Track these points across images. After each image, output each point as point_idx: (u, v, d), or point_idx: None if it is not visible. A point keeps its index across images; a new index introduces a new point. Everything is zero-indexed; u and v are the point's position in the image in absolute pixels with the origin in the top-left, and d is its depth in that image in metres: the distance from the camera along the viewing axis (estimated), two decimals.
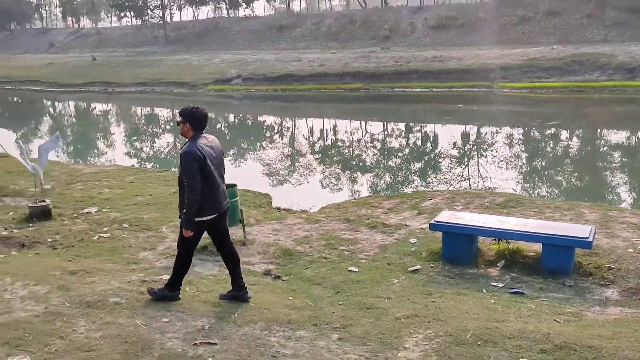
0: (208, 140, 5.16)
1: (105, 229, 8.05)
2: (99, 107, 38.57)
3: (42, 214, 8.36)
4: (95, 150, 23.07)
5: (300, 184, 15.31)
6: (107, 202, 9.31)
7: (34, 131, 27.71)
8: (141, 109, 37.03)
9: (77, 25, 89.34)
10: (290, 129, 27.57)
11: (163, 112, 34.87)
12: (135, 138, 26.34)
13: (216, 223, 5.26)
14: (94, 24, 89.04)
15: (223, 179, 5.29)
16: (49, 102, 41.00)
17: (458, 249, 6.52)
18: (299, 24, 56.68)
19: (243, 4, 70.83)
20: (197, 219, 5.05)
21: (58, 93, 43.35)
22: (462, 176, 15.10)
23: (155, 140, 25.93)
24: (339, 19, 55.80)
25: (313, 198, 11.29)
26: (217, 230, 5.37)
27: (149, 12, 66.61)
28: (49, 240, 7.61)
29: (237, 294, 5.43)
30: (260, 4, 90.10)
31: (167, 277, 5.97)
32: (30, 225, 8.17)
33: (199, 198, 4.94)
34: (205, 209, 5.06)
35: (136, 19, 72.62)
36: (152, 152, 22.76)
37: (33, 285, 5.73)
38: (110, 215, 8.61)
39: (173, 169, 14.24)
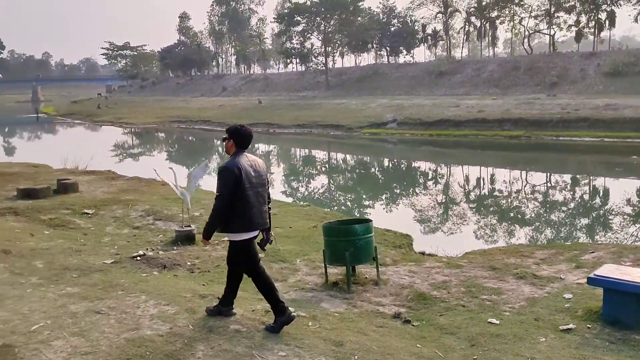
0: (249, 160, 5.17)
1: None
2: (260, 146, 40.72)
3: (186, 239, 8.65)
4: None
5: (445, 229, 14.59)
6: None
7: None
8: (298, 150, 38.38)
9: (248, 72, 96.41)
10: (444, 174, 26.77)
11: (319, 154, 35.83)
12: (285, 174, 27.25)
13: (251, 244, 5.25)
14: (262, 70, 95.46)
15: (264, 199, 5.26)
16: (217, 142, 44.11)
17: (623, 309, 5.53)
18: (459, 70, 55.95)
19: (404, 50, 71.85)
20: (242, 239, 5.12)
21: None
22: (634, 235, 13.35)
23: (304, 177, 26.55)
24: (502, 65, 54.23)
25: (457, 244, 10.59)
26: (249, 251, 5.28)
27: (313, 59, 69.89)
28: (188, 263, 7.80)
29: (282, 319, 5.19)
30: (420, 50, 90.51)
31: (291, 309, 5.76)
32: (175, 248, 8.47)
33: (224, 209, 4.98)
34: (240, 226, 5.07)
35: (300, 66, 76.60)
36: (299, 188, 23.26)
37: (164, 305, 5.80)
38: None
39: (316, 206, 14.30)
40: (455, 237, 13.25)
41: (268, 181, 5.45)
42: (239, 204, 5.02)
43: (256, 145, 41.15)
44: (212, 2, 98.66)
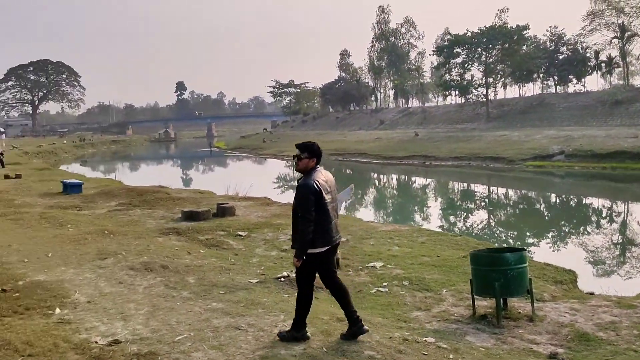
0: (323, 175, 5.33)
1: (385, 284, 7.83)
2: (416, 178, 40.26)
3: None
4: (398, 211, 23.88)
5: (617, 268, 13.06)
6: (393, 259, 9.15)
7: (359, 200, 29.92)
8: (455, 183, 37.27)
9: (406, 105, 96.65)
10: (620, 211, 24.22)
11: (477, 187, 34.48)
12: (441, 206, 26.47)
13: (328, 257, 5.33)
14: (420, 103, 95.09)
15: (337, 212, 5.39)
16: (374, 174, 44.42)
17: None
18: (638, 99, 51.03)
19: (573, 79, 67.33)
20: (311, 252, 5.15)
21: (381, 165, 46.82)
22: None
23: (459, 210, 25.54)
24: None
25: (631, 284, 9.36)
26: (331, 263, 5.44)
27: (473, 90, 68.10)
28: None
29: (354, 328, 5.26)
30: (592, 79, 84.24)
31: (432, 339, 5.38)
32: None
33: (311, 229, 5.06)
34: (318, 241, 5.15)
35: (460, 98, 75.11)
36: (453, 220, 22.41)
37: None
38: (393, 272, 8.39)
39: (466, 235, 13.60)
40: (629, 277, 11.80)
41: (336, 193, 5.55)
42: (319, 220, 5.13)
43: (412, 178, 40.80)
44: (372, 38, 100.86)
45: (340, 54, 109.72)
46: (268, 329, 5.70)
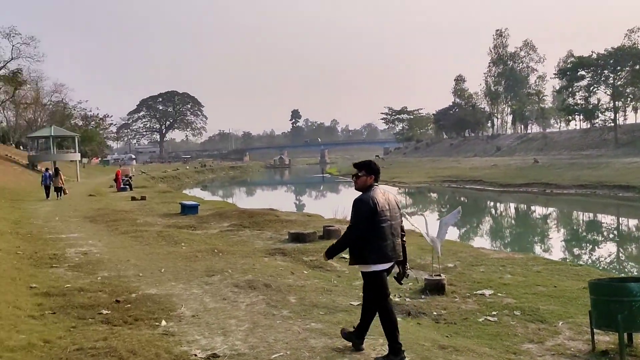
0: (382, 193, 5.29)
1: (494, 312, 7.33)
2: (534, 207, 38.22)
3: (435, 288, 8.22)
4: (513, 239, 22.64)
5: None
6: (505, 287, 8.58)
7: (475, 229, 28.90)
8: (580, 213, 34.91)
9: (525, 131, 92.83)
10: None
11: (605, 218, 32.02)
12: (562, 236, 24.81)
13: (383, 275, 5.29)
14: (541, 129, 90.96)
15: (397, 232, 5.29)
16: (489, 202, 42.75)
17: None
18: None
19: None
20: (373, 270, 5.21)
21: (497, 193, 45.00)
22: None
23: (580, 239, 23.75)
24: None
25: None
26: (381, 280, 5.31)
27: (599, 115, 64.11)
28: (434, 313, 7.35)
29: (394, 357, 5.13)
30: None
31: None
32: (423, 297, 8.11)
33: (353, 239, 5.18)
34: (371, 258, 5.15)
35: (584, 123, 70.98)
36: (574, 250, 20.85)
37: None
38: (504, 301, 7.85)
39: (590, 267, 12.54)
40: None
41: (401, 214, 5.48)
42: (373, 236, 5.11)
43: (531, 206, 38.78)
44: (489, 63, 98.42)
45: (454, 80, 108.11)
46: (366, 352, 5.49)
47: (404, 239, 5.46)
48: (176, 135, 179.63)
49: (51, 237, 13.87)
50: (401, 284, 5.77)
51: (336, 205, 20.32)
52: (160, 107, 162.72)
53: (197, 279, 8.95)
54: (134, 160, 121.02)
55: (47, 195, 28.93)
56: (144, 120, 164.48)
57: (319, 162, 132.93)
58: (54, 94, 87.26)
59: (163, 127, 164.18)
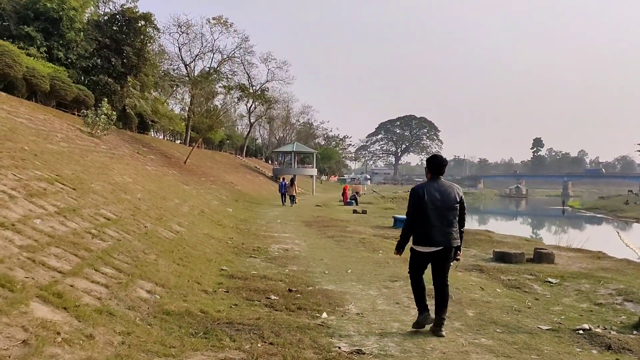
0: (439, 185, 5.83)
1: None
2: None
3: None
4: None
5: None
6: None
7: None
8: None
9: None
10: None
11: None
12: None
13: (437, 259, 5.87)
14: None
15: (448, 221, 5.76)
16: None
17: None
18: None
19: None
20: (416, 250, 5.91)
21: None
22: None
23: None
24: None
25: None
26: (436, 266, 5.95)
27: None
28: None
29: (435, 328, 5.78)
30: None
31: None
32: (635, 333, 6.67)
33: (408, 228, 5.92)
34: (417, 240, 5.81)
35: None
36: None
37: None
38: None
39: None
40: None
41: (463, 207, 5.96)
42: (420, 221, 5.76)
43: None
44: None
45: None
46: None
47: (462, 229, 6.01)
48: (411, 158, 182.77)
49: (264, 234, 14.80)
50: (449, 265, 6.13)
51: (569, 237, 18.31)
52: (398, 131, 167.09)
53: (379, 282, 8.65)
54: (369, 181, 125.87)
55: (283, 202, 31.57)
56: (381, 142, 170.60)
57: (560, 195, 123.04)
58: (302, 115, 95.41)
59: (399, 150, 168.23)
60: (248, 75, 61.41)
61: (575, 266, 11.27)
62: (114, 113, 24.15)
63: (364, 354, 5.01)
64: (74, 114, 26.07)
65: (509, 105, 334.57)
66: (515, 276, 9.76)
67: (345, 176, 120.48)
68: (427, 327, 5.90)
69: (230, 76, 46.42)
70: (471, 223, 46.33)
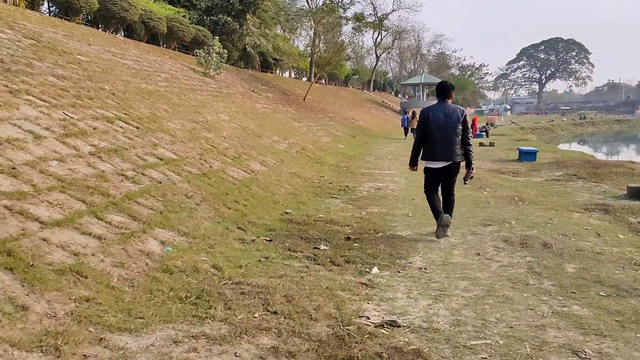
0: (444, 107, 6.56)
1: None
2: None
3: None
4: None
5: None
6: None
7: None
8: None
9: None
10: None
11: None
12: None
13: (444, 174, 6.62)
14: None
15: (451, 140, 6.45)
16: None
17: None
18: None
19: None
20: (426, 166, 6.70)
21: None
22: None
23: None
24: None
25: None
26: (444, 180, 6.68)
27: None
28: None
29: (438, 221, 6.53)
30: None
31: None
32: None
33: (417, 145, 6.77)
34: (425, 156, 6.67)
35: None
36: None
37: None
38: None
39: None
40: None
41: (466, 127, 6.54)
42: (427, 140, 6.59)
43: None
44: None
45: None
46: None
47: (469, 148, 6.55)
48: (558, 85, 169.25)
49: (365, 172, 13.74)
50: (466, 183, 6.98)
51: None
52: (542, 56, 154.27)
53: (468, 227, 7.30)
54: (509, 111, 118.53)
55: (405, 135, 30.32)
56: (523, 70, 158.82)
57: None
58: (433, 45, 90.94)
59: (543, 77, 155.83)
60: (373, 4, 58.95)
61: None
62: (225, 51, 23.86)
63: (399, 326, 3.88)
64: (193, 55, 26.29)
65: None
66: None
67: (483, 107, 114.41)
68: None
69: (347, 5, 44.31)
70: (611, 154, 41.69)
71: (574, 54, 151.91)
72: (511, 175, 13.49)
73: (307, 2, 48.81)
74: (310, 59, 45.28)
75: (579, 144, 55.03)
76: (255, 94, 25.14)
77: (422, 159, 6.70)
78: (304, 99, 33.31)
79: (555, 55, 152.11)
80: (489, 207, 8.79)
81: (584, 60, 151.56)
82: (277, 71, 45.01)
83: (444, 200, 6.68)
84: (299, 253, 5.55)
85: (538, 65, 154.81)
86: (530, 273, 5.26)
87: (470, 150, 6.56)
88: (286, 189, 9.49)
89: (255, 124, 16.09)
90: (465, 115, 6.56)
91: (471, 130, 7.13)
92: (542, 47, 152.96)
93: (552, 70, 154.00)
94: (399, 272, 5.24)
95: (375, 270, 5.21)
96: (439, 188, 6.76)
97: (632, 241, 6.73)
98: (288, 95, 31.61)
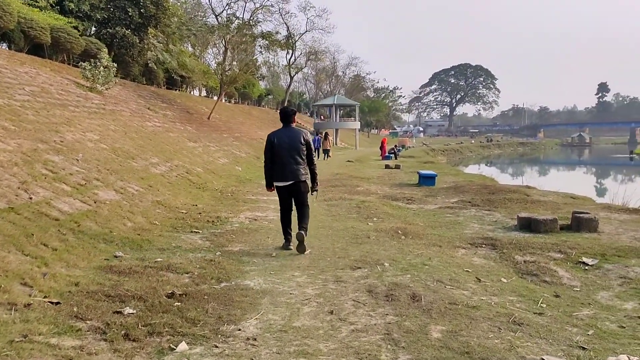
0: (288, 131, 7.26)
1: None
2: None
3: None
4: None
5: None
6: None
7: None
8: None
9: None
10: None
11: None
12: None
13: (292, 191, 7.22)
14: None
15: (294, 160, 7.11)
16: None
17: None
18: None
19: None
20: (276, 185, 7.27)
21: None
22: None
23: None
24: None
25: None
26: (294, 197, 7.26)
27: None
28: None
29: (298, 240, 7.02)
30: None
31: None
32: None
33: (267, 168, 7.33)
34: (275, 177, 7.25)
35: None
36: None
37: None
38: None
39: None
40: None
41: (309, 148, 7.27)
42: (274, 162, 7.20)
43: None
44: None
45: None
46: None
47: (313, 167, 7.38)
48: (467, 109, 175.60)
49: (248, 199, 12.54)
50: (312, 194, 7.47)
51: (625, 190, 15.03)
52: (452, 80, 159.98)
53: (335, 270, 6.18)
54: (422, 133, 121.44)
55: (317, 156, 29.55)
56: (435, 93, 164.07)
57: (627, 142, 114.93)
58: (349, 67, 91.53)
59: (454, 101, 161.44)
60: (286, 24, 58.34)
61: (626, 236, 8.35)
62: (115, 65, 22.08)
63: None
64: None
65: (571, 50, 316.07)
66: (537, 255, 7.04)
67: (398, 129, 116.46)
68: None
69: (253, 22, 43.25)
70: (515, 175, 42.69)
71: (482, 79, 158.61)
72: (405, 203, 12.62)
73: (217, 18, 47.43)
74: (221, 77, 43.70)
75: (486, 165, 56.44)
76: (151, 111, 23.43)
77: (273, 180, 7.25)
78: (209, 118, 31.78)
79: (465, 80, 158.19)
80: (367, 243, 7.74)
81: (491, 86, 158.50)
82: (187, 88, 43.13)
83: (298, 212, 7.24)
84: (87, 322, 4.16)
85: (449, 89, 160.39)
86: (385, 342, 4.14)
87: (314, 170, 7.37)
88: (135, 224, 8.05)
89: (135, 144, 14.50)
90: (309, 138, 7.26)
91: (315, 152, 6.52)
92: (453, 72, 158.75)
93: (462, 94, 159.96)
94: (216, 346, 3.98)
95: (182, 346, 3.92)
96: (294, 206, 7.35)
97: (514, 286, 5.82)
98: (191, 113, 29.97)
